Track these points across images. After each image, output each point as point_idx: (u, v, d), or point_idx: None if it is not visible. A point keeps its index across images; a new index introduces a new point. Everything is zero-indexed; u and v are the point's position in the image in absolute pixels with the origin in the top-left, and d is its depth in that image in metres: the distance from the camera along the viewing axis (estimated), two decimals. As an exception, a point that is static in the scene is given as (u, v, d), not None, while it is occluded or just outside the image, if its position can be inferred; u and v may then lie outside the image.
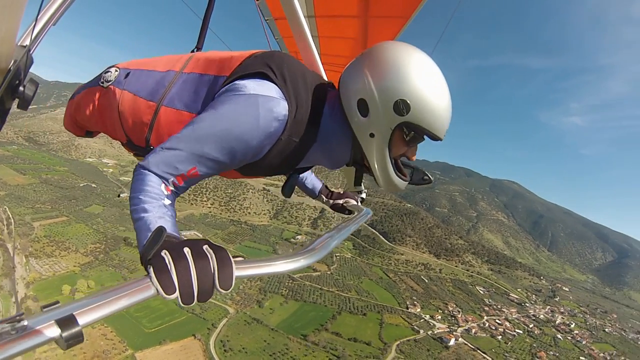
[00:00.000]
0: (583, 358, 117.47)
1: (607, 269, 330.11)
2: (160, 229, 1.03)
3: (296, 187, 2.67)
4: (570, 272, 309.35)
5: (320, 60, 2.85)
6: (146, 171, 1.40)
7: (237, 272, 1.02)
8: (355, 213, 2.60)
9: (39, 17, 1.65)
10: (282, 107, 1.55)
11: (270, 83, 1.58)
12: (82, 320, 0.76)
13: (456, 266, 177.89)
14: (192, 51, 2.52)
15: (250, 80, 1.58)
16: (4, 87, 1.41)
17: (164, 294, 0.90)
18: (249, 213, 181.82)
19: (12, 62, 1.38)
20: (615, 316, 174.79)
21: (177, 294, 0.92)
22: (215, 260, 0.99)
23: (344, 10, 4.06)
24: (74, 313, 0.75)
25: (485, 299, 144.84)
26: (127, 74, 2.01)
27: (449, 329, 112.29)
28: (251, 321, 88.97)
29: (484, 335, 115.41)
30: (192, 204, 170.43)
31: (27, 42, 1.61)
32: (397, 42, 1.66)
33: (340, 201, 2.98)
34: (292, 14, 2.54)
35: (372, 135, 1.63)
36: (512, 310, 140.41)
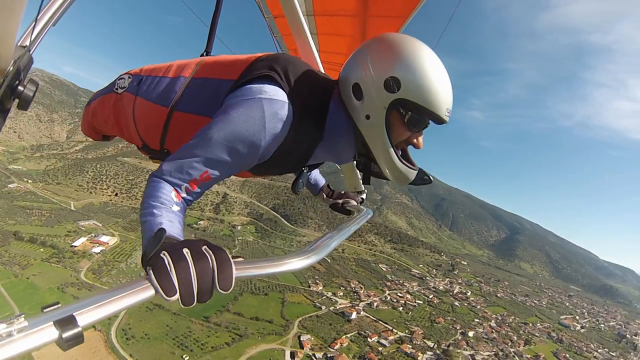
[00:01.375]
0: (477, 320, 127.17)
1: (501, 244, 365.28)
2: (161, 231, 1.07)
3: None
4: (469, 248, 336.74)
5: (319, 57, 3.06)
6: (159, 179, 1.48)
7: (237, 272, 1.04)
8: (355, 213, 2.63)
9: (39, 17, 1.67)
10: (286, 109, 1.60)
11: (276, 86, 1.64)
12: (82, 321, 0.76)
13: (359, 246, 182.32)
14: (202, 55, 2.63)
15: (257, 84, 1.63)
16: (4, 87, 1.42)
17: (164, 294, 0.91)
18: None
19: (12, 62, 1.40)
20: (507, 283, 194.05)
21: (177, 295, 0.94)
22: (215, 260, 1.01)
23: (343, 9, 4.12)
24: (73, 314, 0.76)
25: (387, 275, 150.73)
26: (140, 81, 2.10)
27: (351, 304, 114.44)
28: (152, 307, 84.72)
29: (386, 307, 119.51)
30: (91, 192, 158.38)
31: (27, 42, 1.62)
32: (392, 32, 1.73)
33: (340, 201, 3.00)
34: (291, 12, 2.67)
35: (367, 117, 1.68)
36: (414, 284, 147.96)
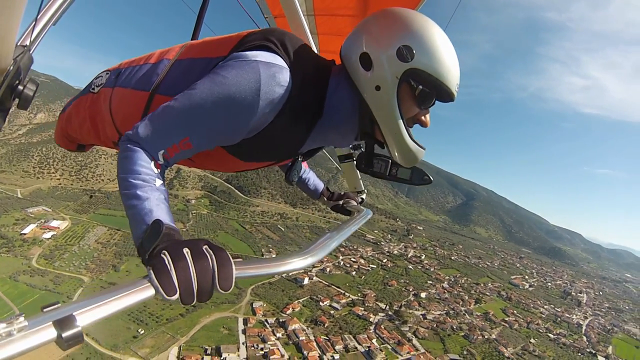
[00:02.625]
0: (430, 282, 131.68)
1: (457, 209, 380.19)
2: (158, 223, 1.07)
3: (296, 187, 2.95)
4: (426, 214, 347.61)
5: None
6: (134, 145, 1.37)
7: (237, 272, 1.05)
8: (355, 214, 2.67)
9: (39, 17, 1.68)
10: (285, 74, 1.49)
11: (273, 53, 1.53)
12: (81, 321, 0.77)
13: (313, 213, 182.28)
14: None
15: (251, 51, 1.53)
16: (4, 87, 1.43)
17: (164, 294, 0.92)
18: (102, 180, 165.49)
19: (12, 61, 1.41)
20: (461, 247, 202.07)
21: (177, 294, 0.95)
22: (215, 260, 1.02)
23: (344, 9, 4.14)
24: (73, 313, 0.77)
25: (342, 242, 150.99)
26: (119, 73, 1.99)
27: (303, 271, 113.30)
28: (107, 286, 78.88)
29: (339, 272, 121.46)
30: (38, 177, 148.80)
31: (27, 42, 1.63)
32: (394, 7, 1.68)
33: (340, 202, 3.05)
34: (291, 11, 2.70)
35: (377, 88, 1.56)
36: (368, 249, 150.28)
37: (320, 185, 3.07)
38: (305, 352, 74.23)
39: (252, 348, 73.28)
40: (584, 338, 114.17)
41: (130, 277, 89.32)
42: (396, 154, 1.71)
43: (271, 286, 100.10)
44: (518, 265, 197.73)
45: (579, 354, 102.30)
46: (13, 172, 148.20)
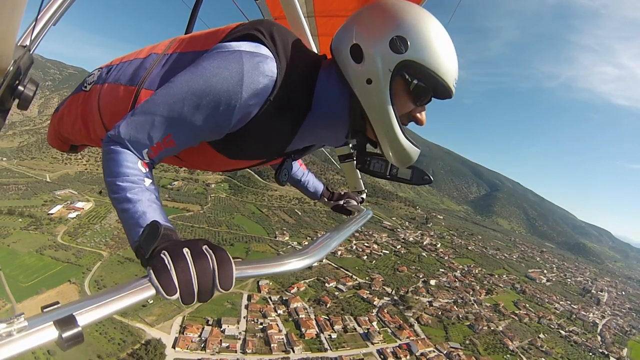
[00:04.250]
0: (443, 270, 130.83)
1: (480, 200, 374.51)
2: (155, 225, 1.05)
3: (295, 187, 2.99)
4: (448, 203, 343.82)
5: None
6: (117, 146, 1.34)
7: (237, 272, 1.05)
8: (356, 213, 2.73)
9: (39, 17, 1.67)
10: (270, 64, 1.42)
11: (259, 43, 1.47)
12: (82, 321, 0.78)
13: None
14: None
15: (236, 42, 1.48)
16: (4, 87, 1.43)
17: (164, 294, 0.92)
18: None
19: (12, 61, 1.41)
20: (480, 237, 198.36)
21: (177, 294, 0.95)
22: (215, 260, 1.01)
23: (344, 10, 4.14)
24: (73, 314, 0.77)
25: (358, 228, 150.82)
26: (109, 70, 1.96)
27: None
28: (124, 260, 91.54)
29: (350, 256, 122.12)
30: (66, 163, 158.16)
31: (27, 42, 1.63)
32: None
33: (341, 202, 3.08)
34: (292, 13, 2.71)
35: (369, 81, 1.47)
36: (383, 235, 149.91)
37: (320, 186, 3.09)
38: (303, 329, 76.23)
39: (252, 322, 75.79)
40: (598, 338, 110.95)
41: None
42: (389, 153, 1.61)
43: None
44: (538, 259, 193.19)
45: (590, 354, 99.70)
46: (43, 159, 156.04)
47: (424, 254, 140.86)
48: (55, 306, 0.80)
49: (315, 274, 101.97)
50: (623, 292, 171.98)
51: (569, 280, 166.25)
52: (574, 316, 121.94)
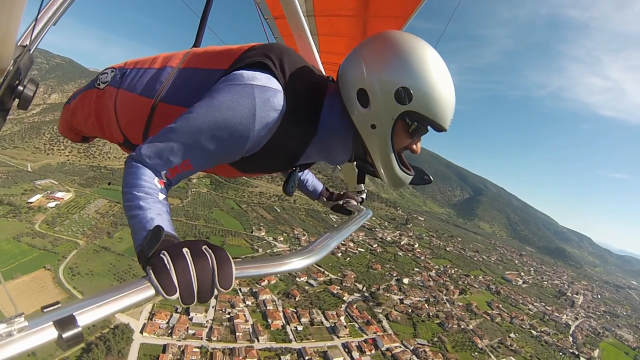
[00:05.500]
0: (417, 269, 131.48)
1: (463, 204, 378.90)
2: (159, 229, 1.09)
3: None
4: (431, 206, 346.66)
5: (320, 58, 3.17)
6: (139, 164, 1.42)
7: (237, 272, 1.06)
8: (355, 213, 2.70)
9: (39, 17, 1.68)
10: (279, 98, 1.54)
11: (269, 74, 1.58)
12: (82, 321, 0.78)
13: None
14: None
15: (248, 70, 1.57)
16: (4, 87, 1.45)
17: (164, 294, 0.93)
18: (109, 158, 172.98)
19: (12, 61, 1.43)
20: (460, 239, 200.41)
21: (177, 294, 0.96)
22: (215, 260, 1.03)
23: (344, 9, 4.24)
24: (74, 314, 0.78)
25: (335, 225, 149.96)
26: (124, 74, 2.04)
27: (289, 248, 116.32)
28: (99, 249, 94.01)
29: None
30: (48, 154, 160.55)
31: (27, 42, 1.64)
32: (395, 31, 1.66)
33: (341, 202, 3.08)
34: (291, 12, 2.76)
35: (373, 126, 1.61)
36: (361, 234, 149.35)
37: (320, 186, 3.11)
38: (269, 320, 76.98)
39: (220, 312, 76.78)
40: (570, 338, 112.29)
41: (123, 244, 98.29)
42: (385, 179, 1.78)
43: (252, 259, 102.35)
44: (516, 262, 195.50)
45: (560, 354, 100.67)
46: (25, 148, 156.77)
47: (400, 254, 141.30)
48: (56, 306, 0.80)
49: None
50: (599, 296, 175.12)
51: (545, 282, 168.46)
52: (547, 317, 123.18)
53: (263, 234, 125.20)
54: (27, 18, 1.41)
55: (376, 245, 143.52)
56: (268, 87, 1.52)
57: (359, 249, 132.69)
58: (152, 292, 0.93)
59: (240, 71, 1.56)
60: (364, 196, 3.32)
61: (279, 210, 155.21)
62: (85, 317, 0.79)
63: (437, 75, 1.53)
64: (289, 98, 1.57)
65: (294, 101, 1.59)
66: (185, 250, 1.02)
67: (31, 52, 1.63)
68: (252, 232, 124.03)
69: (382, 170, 1.75)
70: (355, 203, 3.03)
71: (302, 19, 2.71)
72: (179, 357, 64.43)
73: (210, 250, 1.05)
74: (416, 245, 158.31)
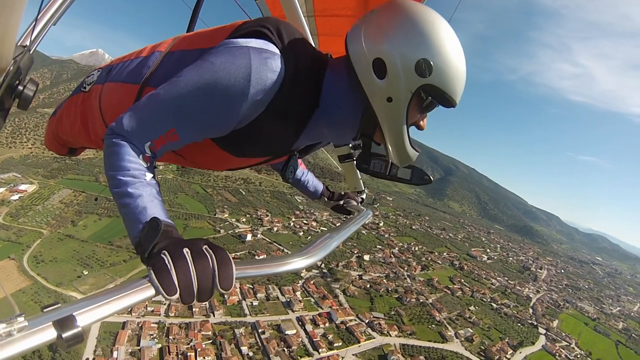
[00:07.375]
0: (380, 247, 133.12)
1: (433, 184, 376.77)
2: (156, 221, 1.08)
3: (295, 188, 3.02)
4: (401, 186, 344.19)
5: None
6: (119, 139, 1.32)
7: (237, 272, 1.06)
8: (355, 213, 2.77)
9: (39, 17, 1.68)
10: (277, 60, 1.43)
11: (266, 39, 1.48)
12: (82, 321, 0.78)
13: (276, 179, 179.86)
14: None
15: (244, 38, 1.48)
16: (4, 87, 1.44)
17: (164, 294, 0.93)
18: None
19: (12, 61, 1.42)
20: (427, 218, 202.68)
21: (177, 294, 0.96)
22: (215, 260, 1.02)
23: (344, 9, 4.09)
24: (73, 314, 0.78)
25: (300, 206, 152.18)
26: (110, 70, 1.95)
27: (251, 229, 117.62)
28: (64, 237, 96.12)
29: (286, 232, 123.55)
30: (10, 147, 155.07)
31: (27, 42, 1.64)
32: (409, 1, 1.56)
33: (341, 202, 3.13)
34: (292, 12, 2.76)
35: (390, 99, 1.49)
36: (325, 214, 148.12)
37: (320, 186, 3.10)
38: (225, 297, 77.95)
39: None
40: (530, 310, 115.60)
41: (87, 231, 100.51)
42: (393, 154, 1.67)
43: (214, 241, 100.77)
44: (484, 239, 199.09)
45: (519, 324, 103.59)
46: None
47: (363, 232, 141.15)
48: (55, 306, 0.80)
49: (247, 248, 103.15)
50: (562, 270, 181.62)
51: (510, 259, 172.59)
52: (509, 291, 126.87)
53: (226, 215, 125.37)
54: (27, 18, 1.41)
55: (339, 223, 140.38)
56: (265, 49, 1.41)
57: (321, 228, 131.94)
58: (152, 292, 0.93)
59: (235, 39, 1.46)
60: (364, 196, 3.46)
61: (244, 193, 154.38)
62: (85, 317, 0.79)
63: (455, 49, 1.46)
64: (288, 62, 1.45)
65: (293, 67, 1.47)
66: (185, 250, 1.01)
67: (31, 52, 1.60)
68: (215, 215, 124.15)
69: (392, 146, 1.63)
70: (356, 203, 3.08)
71: (302, 19, 2.68)
72: (137, 332, 67.07)
73: (210, 251, 1.04)
74: (381, 224, 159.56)
